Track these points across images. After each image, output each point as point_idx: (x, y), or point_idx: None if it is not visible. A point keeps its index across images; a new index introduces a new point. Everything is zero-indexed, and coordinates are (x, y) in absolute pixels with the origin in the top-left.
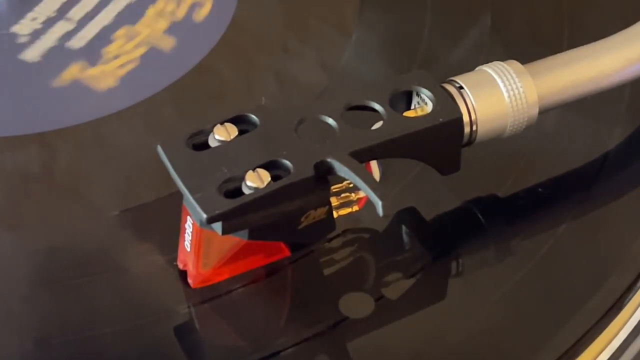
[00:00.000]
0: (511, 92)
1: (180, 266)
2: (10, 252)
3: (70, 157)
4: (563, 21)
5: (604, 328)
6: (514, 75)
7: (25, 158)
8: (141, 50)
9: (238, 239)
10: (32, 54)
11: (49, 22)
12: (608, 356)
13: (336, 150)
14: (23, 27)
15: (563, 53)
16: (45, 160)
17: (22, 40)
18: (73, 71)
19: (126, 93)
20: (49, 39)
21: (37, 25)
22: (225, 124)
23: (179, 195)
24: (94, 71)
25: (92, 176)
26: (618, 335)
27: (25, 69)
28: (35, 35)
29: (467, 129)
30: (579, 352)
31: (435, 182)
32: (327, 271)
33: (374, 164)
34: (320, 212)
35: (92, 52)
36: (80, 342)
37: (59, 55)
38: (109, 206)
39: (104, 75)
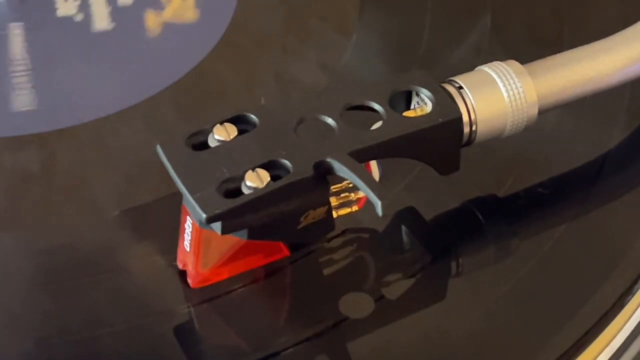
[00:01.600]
0: (511, 92)
1: (180, 266)
2: (10, 252)
3: (71, 157)
4: (563, 21)
5: (604, 328)
6: (513, 75)
7: (25, 158)
8: None
9: (237, 239)
10: None
11: None
12: (608, 356)
13: (335, 150)
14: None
15: (562, 53)
16: (45, 161)
17: None
18: None
19: (126, 93)
20: None
21: None
22: (225, 123)
23: (178, 196)
24: None
25: (92, 176)
26: (618, 336)
27: None
28: None
29: (466, 129)
30: (579, 352)
31: (435, 182)
32: (326, 271)
33: (373, 164)
34: (319, 212)
35: None
36: (80, 342)
37: None
38: (109, 206)
39: None
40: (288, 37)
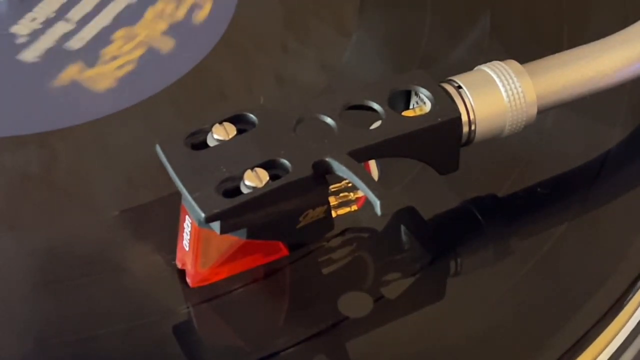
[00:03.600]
0: (510, 92)
1: (179, 265)
2: (10, 253)
3: (70, 157)
4: (563, 21)
5: (604, 328)
6: (512, 74)
7: (25, 158)
8: (140, 52)
9: (236, 238)
10: (30, 54)
11: (48, 23)
12: (608, 356)
13: (335, 149)
14: (22, 28)
15: (562, 53)
16: (44, 161)
17: (21, 40)
18: (71, 72)
19: (125, 94)
20: (48, 40)
21: (36, 25)
22: (224, 123)
23: (178, 196)
24: (92, 72)
25: (91, 176)
26: (618, 335)
27: (23, 70)
28: (34, 35)
29: (465, 129)
30: (579, 352)
31: (435, 182)
32: (326, 271)
33: (372, 164)
34: (318, 212)
35: (91, 53)
36: (80, 342)
37: (58, 56)
38: (109, 206)
39: (102, 76)
40: (288, 37)
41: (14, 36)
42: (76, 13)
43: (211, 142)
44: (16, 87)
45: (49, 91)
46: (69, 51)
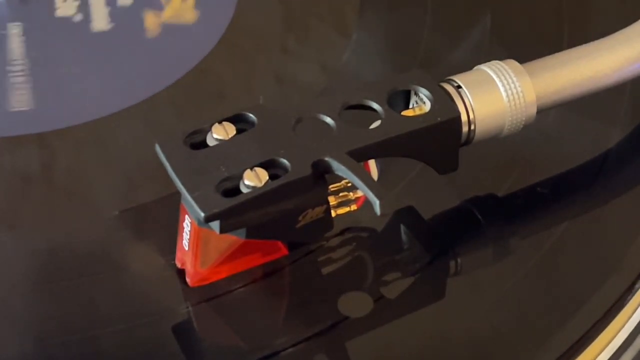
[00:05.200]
0: (509, 92)
1: (179, 265)
2: (10, 252)
3: (70, 157)
4: (563, 21)
5: (604, 328)
6: (512, 74)
7: (25, 158)
8: None
9: (236, 238)
10: None
11: None
12: (608, 356)
13: (334, 149)
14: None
15: (561, 52)
16: (44, 161)
17: None
18: None
19: (125, 93)
20: None
21: None
22: (224, 122)
23: (178, 196)
24: None
25: (91, 176)
26: (618, 335)
27: None
28: None
29: (465, 128)
30: (579, 352)
31: (434, 181)
32: (325, 270)
33: (371, 163)
34: (318, 211)
35: None
36: (80, 342)
37: None
38: (109, 206)
39: None
40: (288, 37)
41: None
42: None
43: (211, 142)
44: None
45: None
46: None
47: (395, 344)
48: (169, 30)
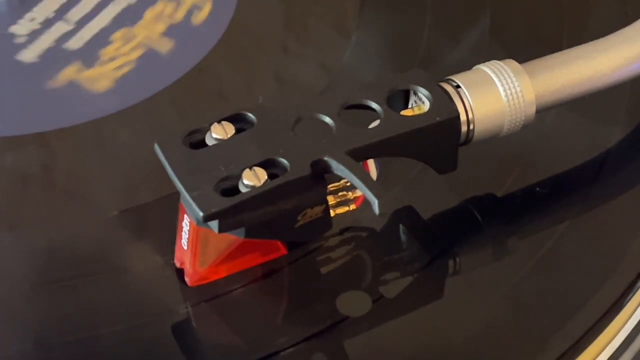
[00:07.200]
0: (508, 91)
1: (178, 264)
2: (10, 252)
3: (70, 157)
4: (563, 21)
5: (604, 328)
6: (511, 74)
7: (24, 158)
8: (138, 52)
9: (235, 237)
10: (29, 54)
11: (48, 23)
12: (608, 356)
13: (333, 148)
14: (21, 28)
15: (561, 52)
16: (44, 161)
17: (20, 40)
18: (70, 72)
19: (123, 95)
20: (47, 40)
21: (35, 25)
22: (223, 122)
23: (177, 196)
24: (90, 73)
25: (91, 176)
26: (618, 335)
27: (22, 70)
28: (34, 35)
29: (464, 128)
30: (579, 352)
31: (434, 181)
32: (324, 270)
33: (371, 163)
34: (317, 211)
35: (89, 54)
36: (80, 342)
37: (56, 56)
38: (108, 206)
39: (100, 76)
40: (288, 37)
41: (13, 36)
42: (75, 14)
43: (210, 141)
44: (15, 87)
45: (48, 91)
46: (67, 51)
47: (394, 343)
48: (168, 31)
